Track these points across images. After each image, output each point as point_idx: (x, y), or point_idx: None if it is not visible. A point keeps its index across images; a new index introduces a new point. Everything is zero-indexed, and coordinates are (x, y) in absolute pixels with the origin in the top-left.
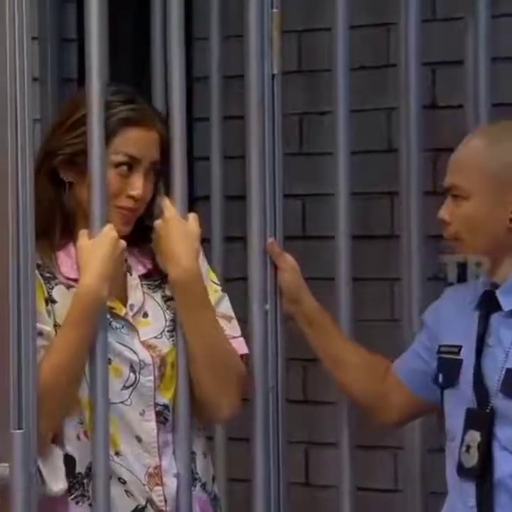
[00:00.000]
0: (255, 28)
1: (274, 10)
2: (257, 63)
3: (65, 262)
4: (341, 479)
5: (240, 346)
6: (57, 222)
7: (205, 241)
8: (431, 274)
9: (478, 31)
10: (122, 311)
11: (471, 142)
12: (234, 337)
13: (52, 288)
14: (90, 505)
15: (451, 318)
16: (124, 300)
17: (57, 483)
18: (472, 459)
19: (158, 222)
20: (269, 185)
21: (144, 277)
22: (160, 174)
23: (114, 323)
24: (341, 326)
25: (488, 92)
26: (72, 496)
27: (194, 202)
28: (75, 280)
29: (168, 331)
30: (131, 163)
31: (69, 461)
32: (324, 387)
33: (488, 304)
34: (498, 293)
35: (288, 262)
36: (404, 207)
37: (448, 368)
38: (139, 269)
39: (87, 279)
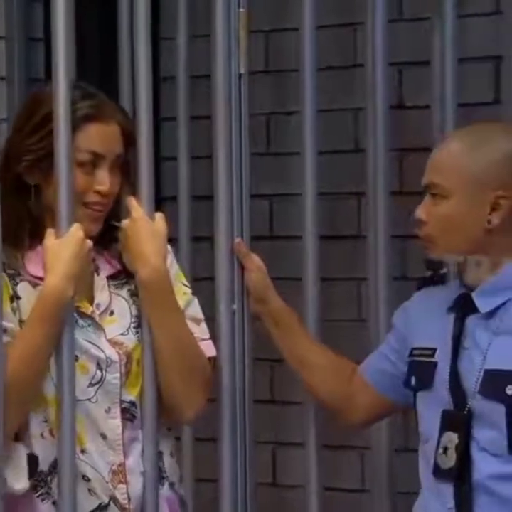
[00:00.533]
0: (222, 27)
1: (241, 10)
2: (224, 63)
3: (32, 261)
4: (308, 479)
5: (208, 348)
6: (25, 227)
7: (172, 241)
8: (398, 274)
9: (444, 32)
10: (89, 310)
11: (451, 144)
12: (202, 339)
13: (16, 284)
14: (54, 503)
15: (422, 321)
16: (90, 299)
17: (20, 481)
18: (449, 461)
19: (125, 222)
20: (236, 185)
21: (111, 278)
22: (125, 169)
23: (80, 322)
24: (308, 326)
25: (455, 93)
26: (38, 494)
27: (161, 202)
28: (42, 279)
29: (133, 328)
30: (95, 160)
31: (31, 459)
32: (291, 388)
33: (463, 307)
34: (474, 295)
35: (255, 262)
36: (370, 207)
37: (421, 371)
38: (106, 269)
39: (52, 279)
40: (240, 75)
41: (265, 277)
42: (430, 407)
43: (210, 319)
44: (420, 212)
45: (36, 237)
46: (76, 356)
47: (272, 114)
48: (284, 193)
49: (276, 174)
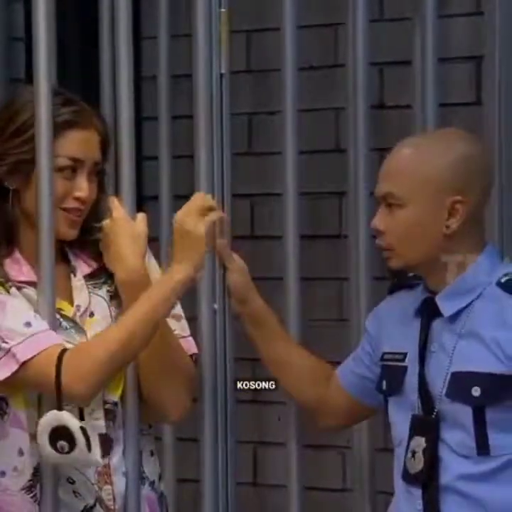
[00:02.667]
0: (203, 27)
1: (222, 9)
2: (206, 63)
3: (12, 268)
4: (289, 479)
5: (189, 346)
6: (2, 232)
7: (154, 240)
8: (379, 274)
9: (425, 32)
10: (70, 312)
11: (400, 151)
12: (183, 336)
13: (10, 287)
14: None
15: (393, 325)
16: (70, 301)
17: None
18: (418, 465)
19: (106, 222)
20: (217, 184)
21: (88, 277)
22: (100, 178)
23: (63, 323)
24: (290, 326)
25: (436, 92)
26: (32, 495)
27: (143, 201)
28: (24, 282)
29: None
30: (74, 165)
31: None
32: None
33: (428, 311)
34: (437, 299)
35: (237, 263)
36: (352, 207)
37: (392, 375)
38: (83, 269)
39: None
40: (222, 75)
41: (247, 278)
42: (401, 412)
43: (192, 319)
44: (378, 223)
45: (12, 243)
46: None
47: (253, 113)
48: (266, 193)
49: (257, 174)
